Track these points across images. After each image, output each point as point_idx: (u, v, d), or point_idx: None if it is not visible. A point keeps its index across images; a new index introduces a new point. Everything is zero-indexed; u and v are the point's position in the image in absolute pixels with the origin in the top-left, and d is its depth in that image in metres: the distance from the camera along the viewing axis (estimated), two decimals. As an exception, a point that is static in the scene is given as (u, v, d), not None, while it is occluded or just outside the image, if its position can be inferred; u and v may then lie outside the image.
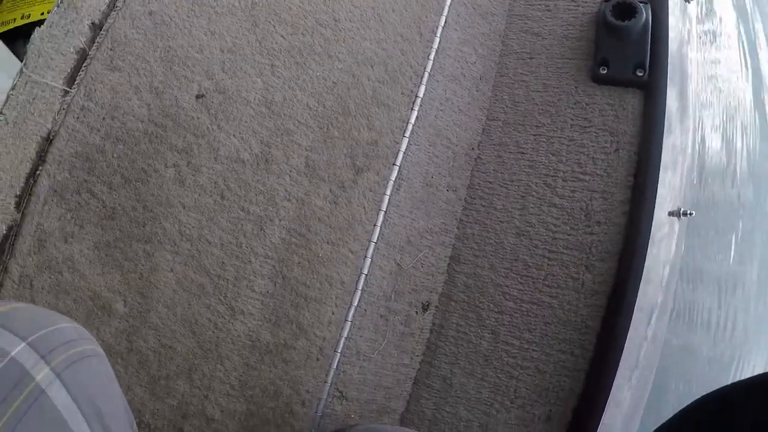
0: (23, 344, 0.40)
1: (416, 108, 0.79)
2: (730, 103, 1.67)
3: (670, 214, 0.82)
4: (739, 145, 1.63)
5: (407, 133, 0.78)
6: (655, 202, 0.77)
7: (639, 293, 0.76)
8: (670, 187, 0.85)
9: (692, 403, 0.48)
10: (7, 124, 0.62)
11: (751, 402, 0.44)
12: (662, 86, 0.81)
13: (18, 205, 0.64)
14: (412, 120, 0.79)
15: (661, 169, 0.79)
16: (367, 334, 0.78)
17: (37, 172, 0.65)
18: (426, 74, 0.80)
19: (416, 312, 0.82)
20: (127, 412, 0.50)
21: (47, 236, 0.66)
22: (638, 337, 0.94)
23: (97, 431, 0.42)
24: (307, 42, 0.75)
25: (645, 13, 0.83)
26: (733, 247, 1.57)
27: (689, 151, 0.91)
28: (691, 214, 0.81)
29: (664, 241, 0.82)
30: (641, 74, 0.83)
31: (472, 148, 0.86)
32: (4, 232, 0.63)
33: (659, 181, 0.80)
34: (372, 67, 0.78)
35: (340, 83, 0.76)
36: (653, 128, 0.80)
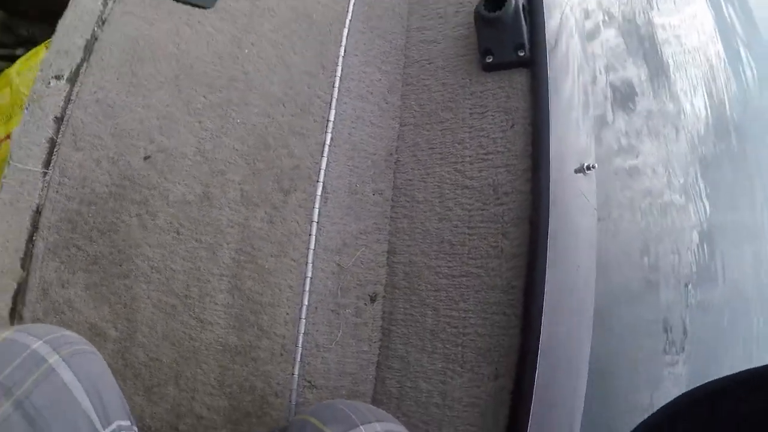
0: (40, 341, 0.57)
1: (329, 130, 0.93)
2: (700, 61, 1.68)
3: (576, 171, 0.89)
4: (716, 99, 1.63)
5: (325, 153, 0.92)
6: (549, 165, 0.84)
7: (555, 246, 0.83)
8: (572, 146, 0.92)
9: (675, 400, 0.47)
10: (5, 205, 0.82)
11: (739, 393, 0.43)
12: (543, 58, 0.90)
13: (23, 265, 0.83)
14: (327, 141, 0.93)
15: (557, 132, 0.87)
16: (322, 328, 0.90)
17: (34, 237, 0.84)
18: (333, 100, 0.94)
19: (365, 303, 0.93)
20: (122, 401, 0.64)
21: (48, 285, 0.84)
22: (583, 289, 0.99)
23: (97, 406, 0.56)
24: (225, 96, 0.91)
25: (514, 0, 0.92)
26: (730, 199, 1.56)
27: (587, 110, 0.97)
28: (594, 167, 0.88)
29: (574, 196, 0.89)
30: (522, 54, 0.92)
31: (391, 154, 0.98)
32: (15, 287, 0.82)
33: (562, 143, 0.88)
34: (283, 105, 0.93)
35: (258, 124, 0.91)
36: (541, 98, 0.89)
